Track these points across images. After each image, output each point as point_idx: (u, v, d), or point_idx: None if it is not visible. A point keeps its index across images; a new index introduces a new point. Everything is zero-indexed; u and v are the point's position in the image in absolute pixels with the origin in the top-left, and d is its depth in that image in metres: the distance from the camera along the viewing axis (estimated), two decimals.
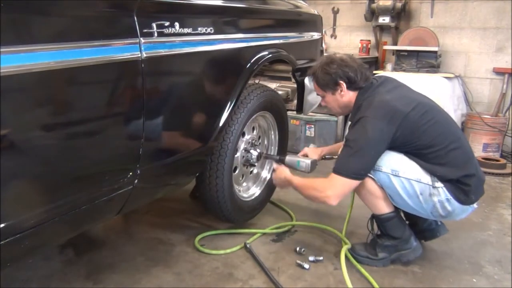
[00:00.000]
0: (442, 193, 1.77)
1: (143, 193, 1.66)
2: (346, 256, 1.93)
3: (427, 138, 1.78)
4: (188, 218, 2.34)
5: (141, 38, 1.34)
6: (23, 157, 1.11)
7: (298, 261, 1.90)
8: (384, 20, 3.95)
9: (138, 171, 1.47)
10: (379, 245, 1.93)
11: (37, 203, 1.20)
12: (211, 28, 1.67)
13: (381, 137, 1.75)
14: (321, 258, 1.91)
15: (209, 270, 1.84)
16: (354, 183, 1.77)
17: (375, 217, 1.96)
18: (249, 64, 1.93)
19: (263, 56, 2.02)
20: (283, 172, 2.03)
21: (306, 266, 1.87)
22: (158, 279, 1.77)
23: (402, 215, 2.00)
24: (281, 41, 2.21)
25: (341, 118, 3.64)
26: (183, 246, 2.04)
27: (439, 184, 1.77)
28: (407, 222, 2.01)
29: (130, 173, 1.44)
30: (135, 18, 1.33)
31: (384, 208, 1.89)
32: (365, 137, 1.75)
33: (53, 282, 1.74)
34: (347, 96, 1.92)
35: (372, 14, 4.01)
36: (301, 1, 2.62)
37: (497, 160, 3.37)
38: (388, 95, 1.83)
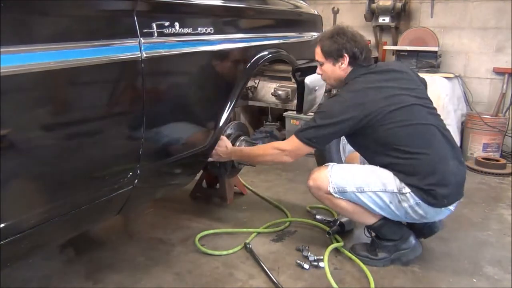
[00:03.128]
0: (410, 198, 1.77)
1: (143, 193, 1.66)
2: (344, 254, 1.94)
3: (393, 137, 1.78)
4: (188, 218, 2.34)
5: (141, 38, 1.34)
6: (23, 157, 1.11)
7: (298, 261, 1.90)
8: (384, 20, 3.95)
9: (138, 171, 1.47)
10: (379, 245, 1.94)
11: (37, 203, 1.20)
12: (211, 28, 1.67)
13: (344, 121, 1.78)
14: (321, 258, 1.91)
15: (209, 270, 1.84)
16: (306, 147, 1.88)
17: (369, 227, 1.98)
18: (249, 64, 1.93)
19: (263, 56, 2.02)
20: (226, 142, 2.10)
21: (306, 266, 1.87)
22: (158, 279, 1.77)
23: None
24: (281, 41, 2.21)
25: None
26: (183, 246, 2.04)
27: (406, 190, 1.77)
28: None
29: (130, 173, 1.44)
30: (135, 18, 1.33)
31: (370, 219, 1.92)
32: (330, 115, 1.81)
33: (53, 282, 1.74)
34: (345, 70, 1.93)
35: (372, 14, 4.01)
36: (301, 1, 2.62)
37: (497, 160, 3.37)
38: (373, 84, 1.84)
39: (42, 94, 1.13)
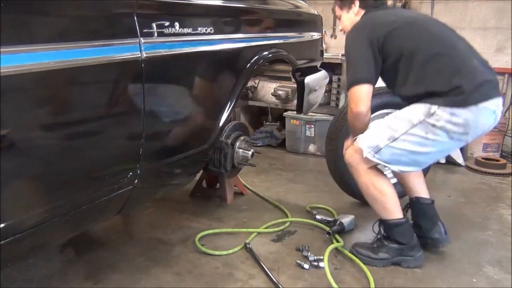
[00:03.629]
0: (441, 113, 1.67)
1: (143, 193, 1.66)
2: (344, 254, 1.94)
3: (412, 43, 1.79)
4: (188, 218, 2.34)
5: (141, 38, 1.34)
6: (23, 157, 1.11)
7: (298, 261, 1.90)
8: None
9: (138, 171, 1.47)
10: (384, 246, 1.92)
11: (37, 203, 1.20)
12: (211, 28, 1.67)
13: (363, 43, 1.82)
14: (321, 258, 1.91)
15: (209, 270, 1.84)
16: (356, 88, 1.82)
17: (383, 222, 1.93)
18: (249, 64, 1.93)
19: (263, 56, 2.02)
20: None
21: (306, 266, 1.87)
22: (158, 279, 1.77)
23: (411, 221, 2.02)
24: (281, 41, 2.21)
25: None
26: (183, 246, 2.04)
27: (433, 108, 1.68)
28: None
29: (130, 173, 1.44)
30: (135, 18, 1.33)
31: (394, 213, 1.88)
32: (351, 49, 1.89)
33: (53, 282, 1.74)
34: (359, 14, 2.01)
35: None
36: (301, 1, 2.62)
37: (497, 160, 3.37)
38: (383, 14, 1.95)
39: (42, 94, 1.13)
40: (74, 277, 1.77)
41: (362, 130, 1.88)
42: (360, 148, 1.81)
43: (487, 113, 1.71)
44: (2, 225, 1.09)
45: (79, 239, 1.97)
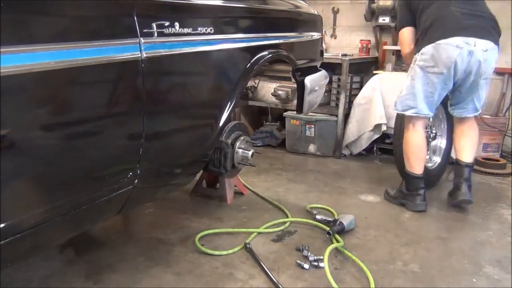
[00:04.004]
0: (416, 56, 2.38)
1: (143, 193, 1.66)
2: (343, 254, 1.94)
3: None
4: (188, 218, 2.34)
5: (141, 38, 1.34)
6: (23, 157, 1.11)
7: (298, 261, 1.90)
8: (384, 20, 3.95)
9: (138, 171, 1.47)
10: (399, 189, 2.59)
11: (37, 203, 1.20)
12: (211, 28, 1.67)
13: (403, 4, 2.55)
14: (321, 258, 1.91)
15: (209, 270, 1.85)
16: (400, 32, 2.59)
17: (404, 172, 2.56)
18: (249, 64, 1.93)
19: (263, 56, 2.02)
20: None
21: (306, 266, 1.87)
22: (158, 279, 1.77)
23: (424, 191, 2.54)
24: (281, 41, 2.21)
25: (341, 118, 3.64)
26: (183, 246, 2.04)
27: (415, 56, 2.40)
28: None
29: (130, 173, 1.44)
30: (135, 18, 1.33)
31: (413, 168, 2.48)
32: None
33: (53, 282, 1.74)
34: None
35: (372, 14, 4.01)
36: (301, 1, 2.62)
37: (497, 160, 3.37)
38: None
39: (42, 94, 1.13)
40: (74, 277, 1.77)
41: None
42: None
43: (448, 48, 2.25)
44: (2, 225, 1.09)
45: (79, 239, 1.97)
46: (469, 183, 2.51)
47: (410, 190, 2.50)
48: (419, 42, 2.38)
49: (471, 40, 2.26)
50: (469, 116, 2.56)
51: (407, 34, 2.51)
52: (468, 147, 2.57)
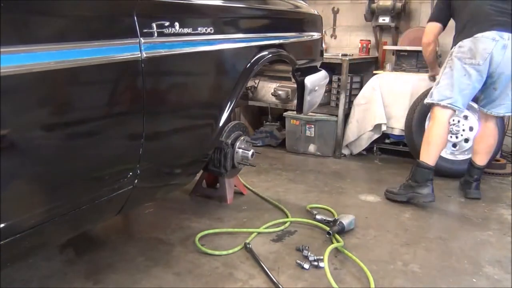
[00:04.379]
0: (454, 49, 2.57)
1: (143, 193, 1.66)
2: (343, 254, 1.94)
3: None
4: (188, 218, 2.34)
5: (141, 38, 1.34)
6: (23, 157, 1.11)
7: (298, 261, 1.90)
8: (384, 20, 3.95)
9: (138, 171, 1.47)
10: (405, 184, 2.61)
11: (37, 203, 1.20)
12: (211, 28, 1.67)
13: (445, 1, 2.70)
14: (321, 258, 1.91)
15: (209, 270, 1.84)
16: (429, 24, 2.80)
17: (417, 162, 2.59)
18: (249, 64, 1.93)
19: (263, 56, 2.02)
20: None
21: (306, 266, 1.87)
22: (158, 279, 1.77)
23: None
24: (281, 41, 2.21)
25: (341, 118, 3.64)
26: (183, 246, 2.04)
27: (451, 50, 2.60)
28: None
29: (130, 173, 1.44)
30: (135, 18, 1.33)
31: (429, 158, 2.56)
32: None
33: (53, 282, 1.74)
34: None
35: (372, 14, 4.01)
36: (301, 1, 2.62)
37: (497, 160, 3.37)
38: None
39: (42, 94, 1.13)
40: (74, 277, 1.77)
41: (428, 57, 2.94)
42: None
43: (484, 40, 2.43)
44: (2, 225, 1.09)
45: (79, 239, 1.97)
46: (479, 182, 2.77)
47: (419, 182, 2.55)
48: (457, 37, 2.58)
49: (506, 34, 2.42)
50: (501, 115, 2.68)
51: (433, 27, 2.75)
52: (484, 152, 2.75)
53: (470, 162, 2.80)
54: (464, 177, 2.83)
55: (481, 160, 2.75)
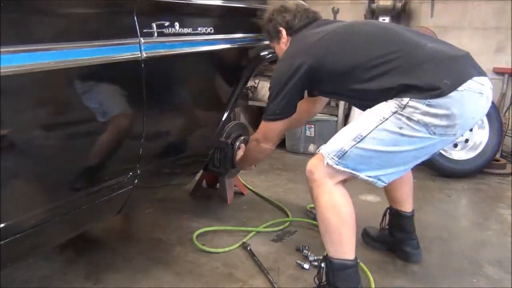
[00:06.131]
0: (415, 103, 1.38)
1: (143, 193, 1.66)
2: None
3: (353, 55, 1.53)
4: (188, 218, 2.34)
5: (141, 38, 1.34)
6: (23, 157, 1.11)
7: (298, 261, 1.90)
8: (384, 20, 3.94)
9: (138, 171, 1.47)
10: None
11: (37, 203, 1.20)
12: (211, 28, 1.67)
13: (294, 75, 1.58)
14: (321, 258, 1.91)
15: (209, 270, 1.84)
16: (274, 124, 1.71)
17: (327, 259, 1.56)
18: (249, 64, 1.93)
19: (263, 56, 2.02)
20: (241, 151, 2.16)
21: (306, 266, 1.87)
22: (158, 279, 1.77)
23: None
24: None
25: (341, 118, 3.64)
26: (183, 246, 2.04)
27: (405, 99, 1.39)
28: (390, 235, 1.98)
29: (130, 173, 1.44)
30: (135, 18, 1.33)
31: (346, 252, 1.52)
32: (276, 81, 1.64)
33: (53, 282, 1.73)
34: (287, 42, 1.80)
35: (372, 14, 4.01)
36: (301, 1, 2.62)
37: (497, 160, 3.37)
38: (309, 34, 1.68)
39: (42, 94, 1.13)
40: (74, 277, 1.77)
41: (255, 162, 2.04)
42: (322, 154, 1.51)
43: (471, 96, 1.40)
44: (2, 225, 1.09)
45: (79, 239, 1.97)
46: (416, 237, 1.95)
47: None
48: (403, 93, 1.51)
49: (483, 79, 1.49)
50: None
51: (275, 129, 1.76)
52: (410, 195, 1.94)
53: (395, 215, 1.94)
54: (393, 236, 1.97)
55: (409, 205, 1.92)
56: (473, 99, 1.42)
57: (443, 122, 1.40)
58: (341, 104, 3.65)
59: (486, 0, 3.73)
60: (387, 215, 2.01)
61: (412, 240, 1.94)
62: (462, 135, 1.45)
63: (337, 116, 3.66)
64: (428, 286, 1.79)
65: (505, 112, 3.75)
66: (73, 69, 1.15)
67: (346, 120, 3.68)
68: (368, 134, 1.44)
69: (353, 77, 1.51)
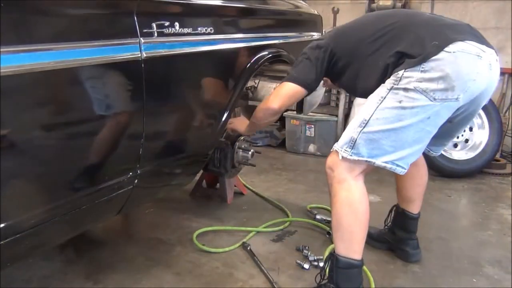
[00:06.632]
0: (410, 73, 1.40)
1: (143, 193, 1.66)
2: None
3: (356, 31, 1.65)
4: (188, 218, 2.34)
5: (141, 38, 1.34)
6: (23, 157, 1.11)
7: (298, 261, 1.90)
8: None
9: (138, 171, 1.47)
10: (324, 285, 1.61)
11: (37, 203, 1.20)
12: (211, 28, 1.67)
13: (313, 49, 1.70)
14: (321, 258, 1.91)
15: (209, 270, 1.85)
16: (286, 84, 1.70)
17: (333, 256, 1.57)
18: (249, 64, 1.93)
19: (263, 56, 2.02)
20: (244, 119, 2.16)
21: (306, 266, 1.87)
22: (158, 279, 1.77)
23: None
24: (281, 41, 2.21)
25: (341, 118, 3.65)
26: (183, 246, 2.04)
27: (400, 73, 1.42)
28: (393, 233, 1.99)
29: (130, 173, 1.44)
30: (135, 18, 1.33)
31: (355, 252, 1.53)
32: (301, 53, 1.75)
33: (53, 282, 1.74)
34: None
35: None
36: (301, 1, 2.62)
37: (497, 160, 3.37)
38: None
39: (42, 94, 1.13)
40: (74, 277, 1.77)
41: (260, 127, 1.88)
42: (336, 150, 1.51)
43: (466, 57, 1.39)
44: (2, 225, 1.09)
45: (79, 239, 1.97)
46: (417, 238, 1.98)
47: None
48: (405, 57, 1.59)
49: (486, 48, 1.51)
50: (438, 154, 1.88)
51: (293, 91, 1.73)
52: (421, 198, 1.94)
53: (401, 214, 1.95)
54: (394, 234, 1.99)
55: (417, 207, 1.93)
56: (469, 60, 1.40)
57: (440, 85, 1.39)
58: (341, 104, 3.65)
59: (486, 0, 3.73)
60: (392, 213, 2.03)
61: (412, 240, 1.96)
62: (475, 108, 1.58)
63: (337, 116, 3.67)
64: (428, 286, 1.79)
65: (505, 112, 3.76)
66: (73, 69, 1.15)
67: (346, 120, 3.68)
68: (371, 116, 1.45)
69: (360, 53, 1.58)
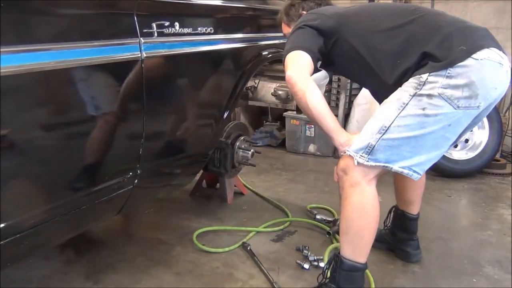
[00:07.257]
0: (435, 78, 1.34)
1: (143, 193, 1.66)
2: None
3: (368, 22, 1.55)
4: (188, 218, 2.34)
5: (141, 38, 1.34)
6: (23, 157, 1.11)
7: (298, 261, 1.90)
8: None
9: (138, 171, 1.47)
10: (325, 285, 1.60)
11: (37, 203, 1.20)
12: (211, 28, 1.67)
13: (304, 22, 1.59)
14: (321, 258, 1.91)
15: (209, 270, 1.84)
16: (297, 53, 1.51)
17: (338, 257, 1.54)
18: (249, 64, 1.93)
19: (263, 56, 2.02)
20: None
21: (306, 266, 1.87)
22: (158, 279, 1.77)
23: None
24: (281, 41, 2.21)
25: (341, 118, 3.64)
26: (183, 246, 2.04)
27: (423, 76, 1.36)
28: (394, 234, 1.98)
29: (130, 173, 1.44)
30: (135, 18, 1.33)
31: (361, 255, 1.52)
32: (290, 33, 1.63)
33: (53, 282, 1.74)
34: None
35: None
36: None
37: (497, 160, 3.37)
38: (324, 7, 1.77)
39: (42, 94, 1.13)
40: (74, 277, 1.77)
41: (304, 106, 1.50)
42: (351, 155, 1.45)
43: (491, 65, 1.36)
44: (2, 225, 1.09)
45: (79, 239, 1.97)
46: (417, 238, 1.97)
47: None
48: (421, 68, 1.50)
49: (501, 53, 1.46)
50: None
51: (300, 55, 1.55)
52: (420, 199, 1.93)
53: (400, 216, 1.94)
54: (395, 235, 1.98)
55: (416, 208, 1.93)
56: (493, 69, 1.37)
57: (465, 93, 1.34)
58: (341, 104, 3.65)
59: (486, 0, 3.73)
60: (392, 214, 2.02)
61: (413, 241, 1.95)
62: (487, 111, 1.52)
63: (337, 116, 3.66)
64: (428, 286, 1.79)
65: (505, 112, 3.75)
66: (73, 69, 1.16)
67: (346, 120, 3.68)
68: (392, 123, 1.40)
69: (373, 44, 1.50)
